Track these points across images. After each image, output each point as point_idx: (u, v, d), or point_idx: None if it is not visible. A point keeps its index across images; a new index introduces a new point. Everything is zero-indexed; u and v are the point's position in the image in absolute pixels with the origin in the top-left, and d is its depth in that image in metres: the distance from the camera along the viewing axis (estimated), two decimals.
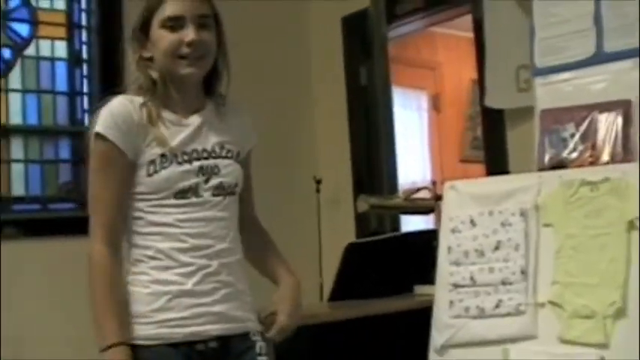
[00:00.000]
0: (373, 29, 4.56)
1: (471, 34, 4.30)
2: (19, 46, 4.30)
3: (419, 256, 3.20)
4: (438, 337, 2.51)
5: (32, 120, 4.30)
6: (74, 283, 4.16)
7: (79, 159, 4.40)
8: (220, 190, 2.14)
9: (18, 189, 4.21)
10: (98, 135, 2.09)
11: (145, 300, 2.10)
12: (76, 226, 4.25)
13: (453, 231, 2.51)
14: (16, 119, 4.24)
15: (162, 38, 2.12)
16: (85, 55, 4.47)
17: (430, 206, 3.12)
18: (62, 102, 4.40)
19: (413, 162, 6.18)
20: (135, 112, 2.11)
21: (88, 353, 4.05)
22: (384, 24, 4.52)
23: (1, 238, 3.99)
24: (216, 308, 2.11)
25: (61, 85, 4.40)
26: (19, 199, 4.24)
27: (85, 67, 4.46)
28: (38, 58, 4.35)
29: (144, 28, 2.17)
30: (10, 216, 4.17)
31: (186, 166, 2.11)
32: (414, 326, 2.75)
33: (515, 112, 3.83)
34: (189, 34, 2.10)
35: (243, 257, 2.21)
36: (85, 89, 4.45)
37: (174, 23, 2.11)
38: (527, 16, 2.91)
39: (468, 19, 4.30)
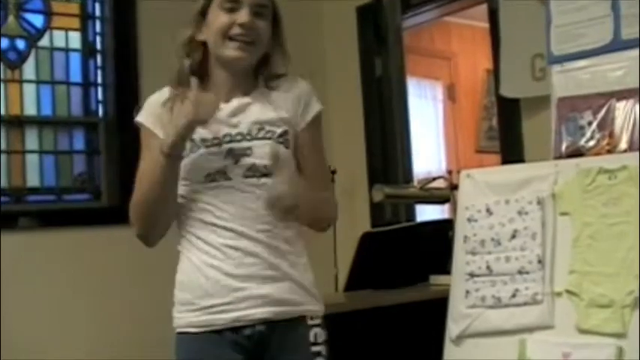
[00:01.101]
0: (388, 19, 4.53)
1: (485, 24, 4.28)
2: (33, 37, 4.31)
3: (434, 246, 3.19)
4: (453, 327, 2.49)
5: (46, 111, 4.31)
6: (89, 273, 4.20)
7: (93, 150, 4.40)
8: (253, 172, 2.11)
9: (33, 180, 4.22)
10: (138, 123, 2.20)
11: (188, 287, 2.13)
12: (91, 216, 4.32)
13: (469, 220, 2.49)
14: (30, 110, 4.25)
15: (217, 18, 2.15)
16: (98, 46, 4.47)
17: (446, 196, 3.10)
18: (76, 93, 4.41)
19: (428, 152, 6.16)
20: (170, 99, 2.16)
21: (102, 340, 4.06)
22: (398, 14, 4.49)
23: (16, 229, 3.99)
24: (261, 291, 2.08)
25: (75, 75, 4.41)
26: (34, 190, 4.25)
27: (98, 57, 4.47)
28: (52, 49, 4.36)
29: (203, 11, 2.19)
30: (25, 207, 4.18)
31: (214, 149, 2.12)
32: (430, 316, 2.73)
33: (530, 101, 3.80)
34: (242, 16, 2.12)
35: (293, 236, 2.17)
36: (99, 80, 4.45)
37: (232, 5, 2.14)
38: (542, 4, 2.88)
39: (482, 9, 4.28)
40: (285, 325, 2.11)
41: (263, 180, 2.11)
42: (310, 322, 2.15)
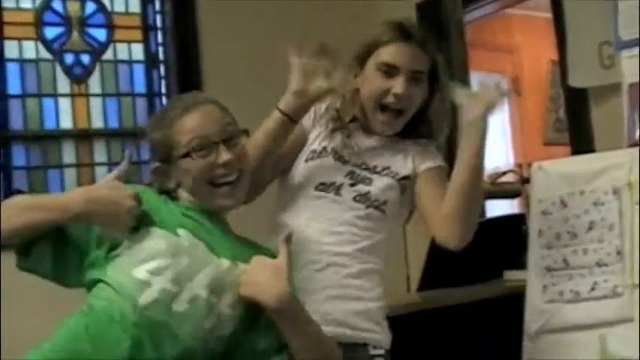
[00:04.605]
0: (449, 14, 4.48)
1: (547, 14, 4.19)
2: (97, 51, 4.35)
3: (507, 241, 3.13)
4: (532, 322, 2.45)
5: (113, 123, 4.35)
6: None
7: None
8: (364, 199, 2.13)
9: None
10: None
11: None
12: None
13: (544, 213, 2.45)
14: (97, 123, 4.30)
15: (374, 80, 2.16)
16: (161, 57, 4.50)
17: (516, 190, 3.05)
18: (141, 104, 4.45)
19: (495, 146, 6.09)
20: (325, 106, 2.20)
21: None
22: (459, 8, 4.44)
23: None
24: (324, 308, 2.06)
25: (139, 87, 4.45)
26: None
27: (162, 68, 4.50)
28: (116, 62, 4.40)
29: (362, 61, 2.20)
30: None
31: (338, 164, 2.14)
32: (506, 313, 2.70)
33: (598, 90, 3.72)
34: (397, 85, 2.13)
35: (372, 269, 2.15)
36: (163, 90, 4.48)
37: (388, 69, 2.14)
38: None
39: None
40: (346, 348, 2.04)
41: (368, 211, 2.13)
42: (373, 352, 2.11)
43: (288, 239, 1.92)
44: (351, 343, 2.08)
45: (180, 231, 1.87)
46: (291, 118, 2.08)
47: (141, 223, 1.85)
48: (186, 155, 1.91)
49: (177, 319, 1.77)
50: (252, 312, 1.87)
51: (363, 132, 2.21)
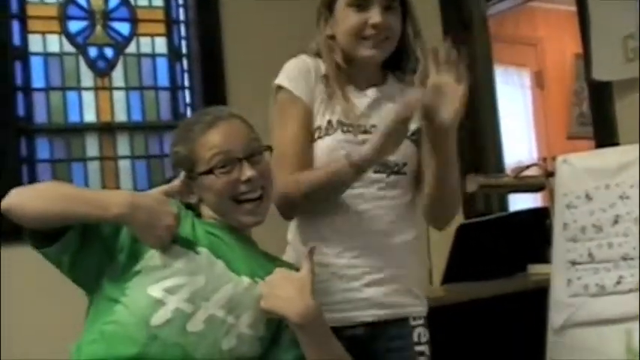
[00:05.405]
0: (472, 8, 4.46)
1: (571, 7, 4.18)
2: (120, 45, 4.37)
3: (531, 235, 3.12)
4: (556, 316, 2.44)
5: (136, 116, 4.37)
6: None
7: None
8: (384, 167, 2.07)
9: (126, 184, 4.28)
10: (278, 87, 2.12)
11: None
12: None
13: (568, 206, 2.44)
14: (120, 116, 4.32)
15: (347, 17, 2.09)
16: (184, 50, 4.51)
17: (541, 183, 3.03)
18: (164, 97, 4.46)
19: (518, 140, 6.06)
20: (314, 73, 2.12)
21: None
22: (483, 2, 4.42)
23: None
24: (365, 294, 2.05)
25: (163, 80, 4.46)
26: None
27: (185, 61, 4.51)
28: (139, 55, 4.41)
29: (329, 5, 2.14)
30: None
31: (349, 136, 2.07)
32: (530, 307, 2.69)
33: (623, 83, 3.70)
34: (374, 16, 2.06)
35: (411, 240, 2.12)
36: (187, 83, 4.49)
37: (361, 2, 2.07)
38: None
39: None
40: (388, 326, 2.07)
41: (390, 179, 2.08)
42: (413, 323, 2.11)
43: (311, 253, 1.89)
44: (392, 319, 2.08)
45: (201, 249, 1.86)
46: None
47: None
48: (209, 172, 1.89)
49: (192, 339, 1.76)
50: (273, 331, 1.86)
51: (355, 89, 2.13)
